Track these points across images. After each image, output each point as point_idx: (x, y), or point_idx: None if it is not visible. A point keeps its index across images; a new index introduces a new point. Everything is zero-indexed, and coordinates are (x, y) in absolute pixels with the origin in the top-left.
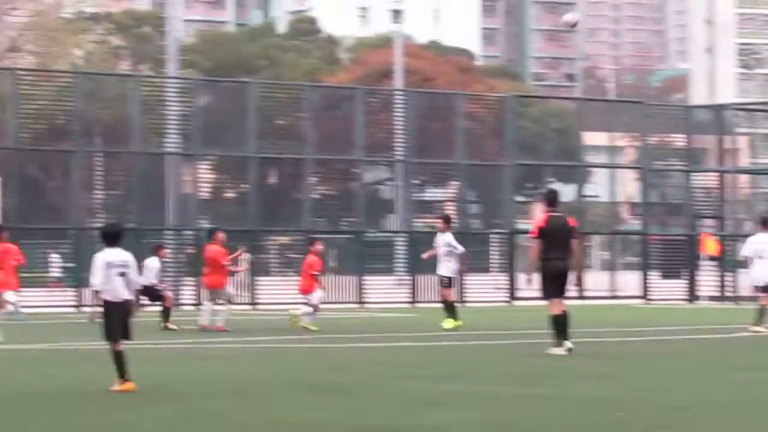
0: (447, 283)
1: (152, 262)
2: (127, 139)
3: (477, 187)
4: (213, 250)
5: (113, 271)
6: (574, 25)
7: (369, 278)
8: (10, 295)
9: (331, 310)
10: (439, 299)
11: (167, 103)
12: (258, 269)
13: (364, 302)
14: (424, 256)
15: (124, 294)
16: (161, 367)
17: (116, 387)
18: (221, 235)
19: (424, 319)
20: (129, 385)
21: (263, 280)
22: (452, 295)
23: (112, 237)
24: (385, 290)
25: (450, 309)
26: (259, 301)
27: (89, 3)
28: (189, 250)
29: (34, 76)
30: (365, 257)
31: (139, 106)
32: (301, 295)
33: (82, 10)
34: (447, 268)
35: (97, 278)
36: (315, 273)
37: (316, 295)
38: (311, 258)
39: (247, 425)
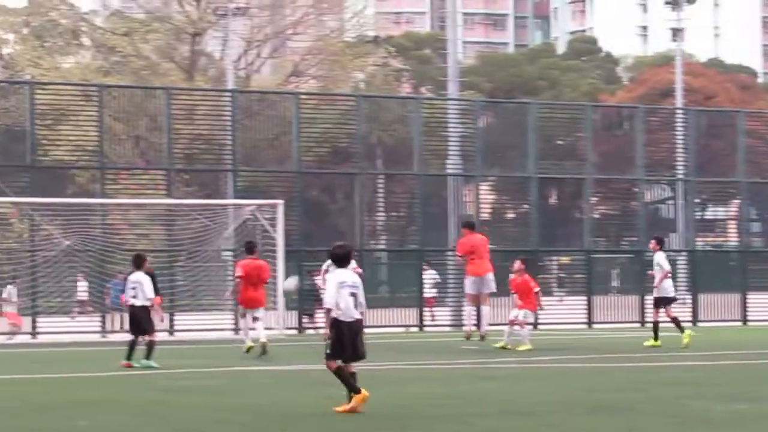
0: (660, 303)
1: None
2: (409, 160)
3: (759, 205)
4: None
5: (345, 291)
6: None
7: (650, 297)
8: (260, 312)
9: (613, 329)
10: (719, 318)
11: (448, 124)
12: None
13: (646, 322)
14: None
15: (355, 314)
16: (445, 386)
17: (344, 407)
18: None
19: (704, 337)
20: (360, 397)
21: (544, 300)
22: (659, 315)
23: (342, 258)
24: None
25: (677, 326)
26: (541, 321)
27: (370, 27)
28: None
29: (316, 100)
30: (646, 277)
31: (420, 128)
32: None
33: (363, 33)
34: (661, 288)
35: (330, 297)
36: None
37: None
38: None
39: None
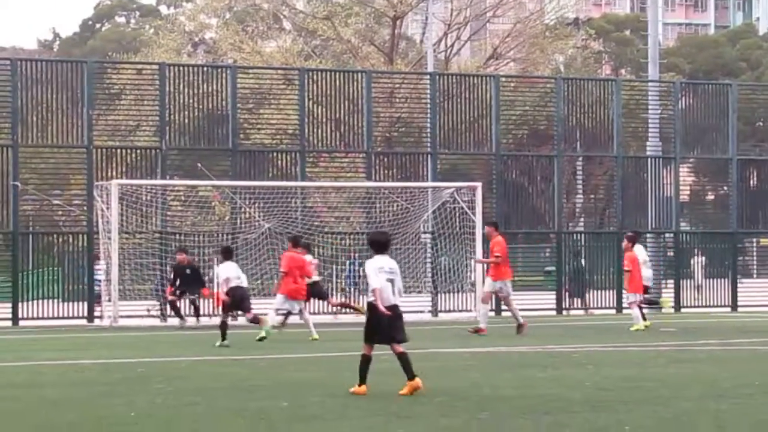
0: None
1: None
2: (608, 143)
3: None
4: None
5: (383, 276)
6: None
7: None
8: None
9: None
10: None
11: (648, 106)
12: (740, 271)
13: None
14: None
15: (392, 299)
16: (641, 368)
17: (407, 390)
18: None
19: None
20: (412, 384)
21: (745, 282)
22: None
23: (381, 245)
24: None
25: None
26: (740, 303)
27: (570, 9)
28: (669, 253)
29: (516, 83)
30: None
31: (619, 110)
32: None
33: (563, 16)
34: None
35: (374, 282)
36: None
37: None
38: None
39: (738, 426)
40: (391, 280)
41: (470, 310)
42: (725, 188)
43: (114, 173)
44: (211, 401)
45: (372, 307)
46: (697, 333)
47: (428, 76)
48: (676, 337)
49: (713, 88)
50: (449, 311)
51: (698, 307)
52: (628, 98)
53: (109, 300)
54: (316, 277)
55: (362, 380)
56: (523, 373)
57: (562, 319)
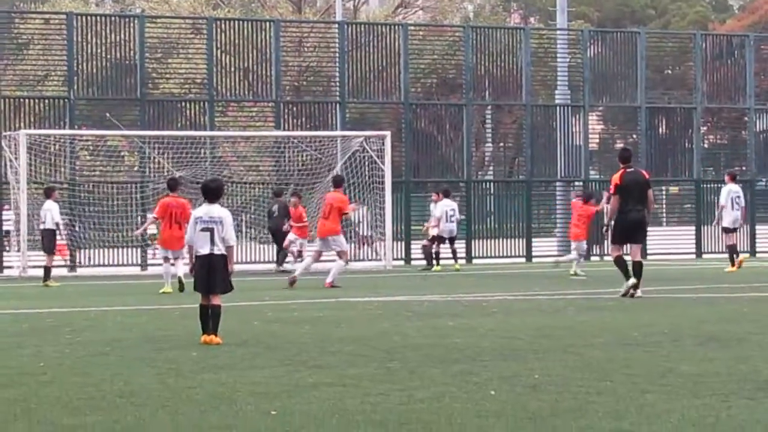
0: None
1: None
2: (517, 91)
3: None
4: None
5: (198, 226)
6: None
7: (761, 227)
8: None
9: (723, 260)
10: None
11: (557, 54)
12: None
13: (757, 251)
14: None
15: (209, 249)
16: (551, 317)
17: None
18: None
19: None
20: (209, 338)
21: (655, 231)
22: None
23: (209, 192)
24: None
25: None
26: (650, 251)
27: None
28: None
29: (424, 31)
30: (757, 206)
31: (528, 59)
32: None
33: None
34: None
35: (188, 234)
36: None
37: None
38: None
39: (648, 374)
40: (210, 230)
41: (379, 259)
42: (634, 136)
43: (22, 123)
44: (121, 351)
45: (195, 257)
46: (606, 282)
47: (336, 25)
48: (587, 286)
49: (622, 36)
50: (361, 260)
51: (608, 255)
52: (536, 47)
53: (18, 250)
54: None
55: (204, 329)
56: (433, 322)
57: (474, 268)
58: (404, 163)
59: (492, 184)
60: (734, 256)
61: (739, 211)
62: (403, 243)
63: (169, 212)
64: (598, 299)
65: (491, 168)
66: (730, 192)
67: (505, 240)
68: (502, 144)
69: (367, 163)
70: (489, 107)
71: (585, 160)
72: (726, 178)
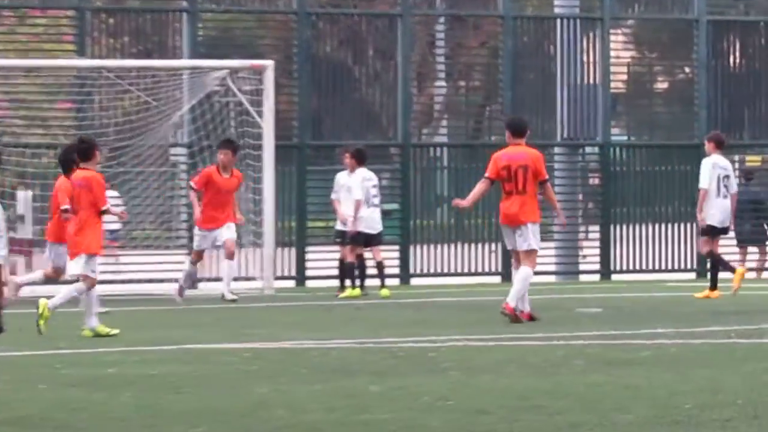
0: None
1: None
2: None
3: None
4: None
5: None
6: None
7: None
8: None
9: None
10: None
11: None
12: None
13: None
14: None
15: None
16: (535, 376)
17: None
18: None
19: None
20: None
21: None
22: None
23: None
24: None
25: None
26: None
27: None
28: None
29: None
30: None
31: None
32: None
33: None
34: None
35: None
36: None
37: None
38: None
39: None
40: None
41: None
42: (686, 70)
43: None
44: None
45: None
46: (636, 316)
47: None
48: (602, 322)
49: None
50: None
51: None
52: None
53: None
54: None
55: None
56: (345, 386)
57: (413, 293)
58: (297, 115)
59: (445, 150)
60: (717, 271)
61: (728, 200)
62: (294, 250)
63: None
64: (624, 346)
65: (444, 123)
66: (716, 167)
67: (467, 246)
68: (463, 83)
69: (232, 114)
70: (442, 19)
71: (604, 110)
72: (706, 145)
